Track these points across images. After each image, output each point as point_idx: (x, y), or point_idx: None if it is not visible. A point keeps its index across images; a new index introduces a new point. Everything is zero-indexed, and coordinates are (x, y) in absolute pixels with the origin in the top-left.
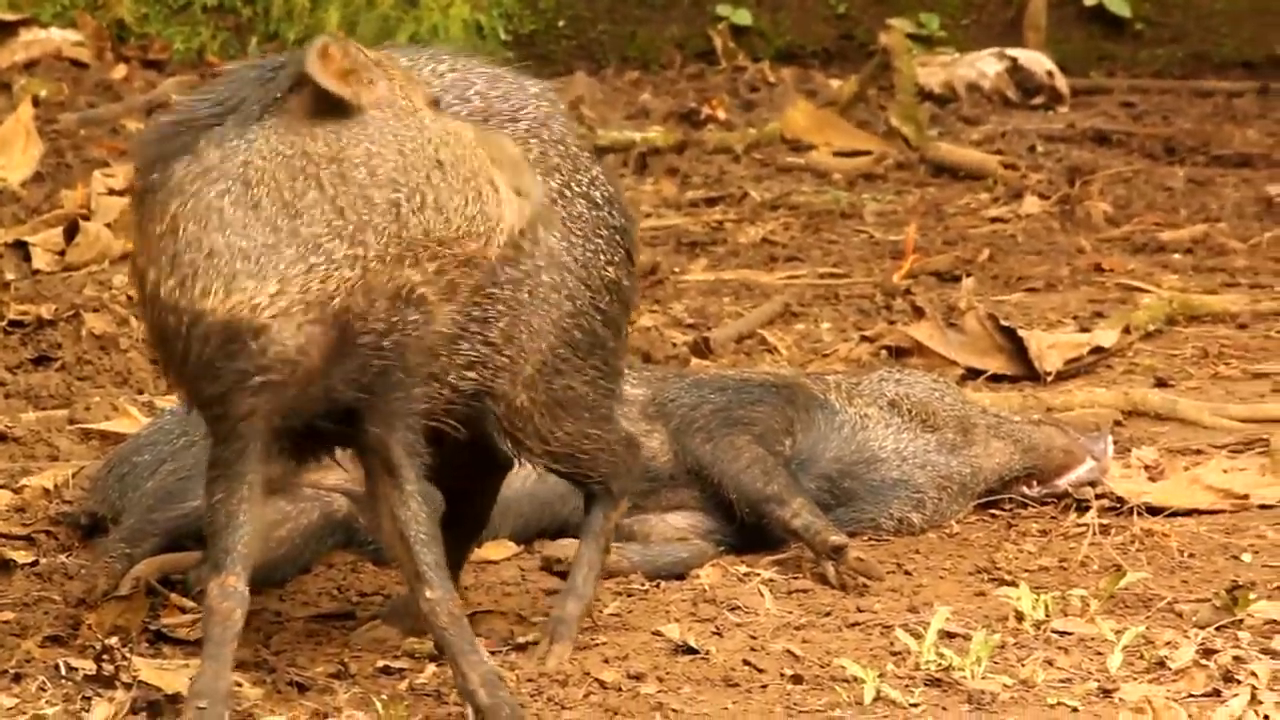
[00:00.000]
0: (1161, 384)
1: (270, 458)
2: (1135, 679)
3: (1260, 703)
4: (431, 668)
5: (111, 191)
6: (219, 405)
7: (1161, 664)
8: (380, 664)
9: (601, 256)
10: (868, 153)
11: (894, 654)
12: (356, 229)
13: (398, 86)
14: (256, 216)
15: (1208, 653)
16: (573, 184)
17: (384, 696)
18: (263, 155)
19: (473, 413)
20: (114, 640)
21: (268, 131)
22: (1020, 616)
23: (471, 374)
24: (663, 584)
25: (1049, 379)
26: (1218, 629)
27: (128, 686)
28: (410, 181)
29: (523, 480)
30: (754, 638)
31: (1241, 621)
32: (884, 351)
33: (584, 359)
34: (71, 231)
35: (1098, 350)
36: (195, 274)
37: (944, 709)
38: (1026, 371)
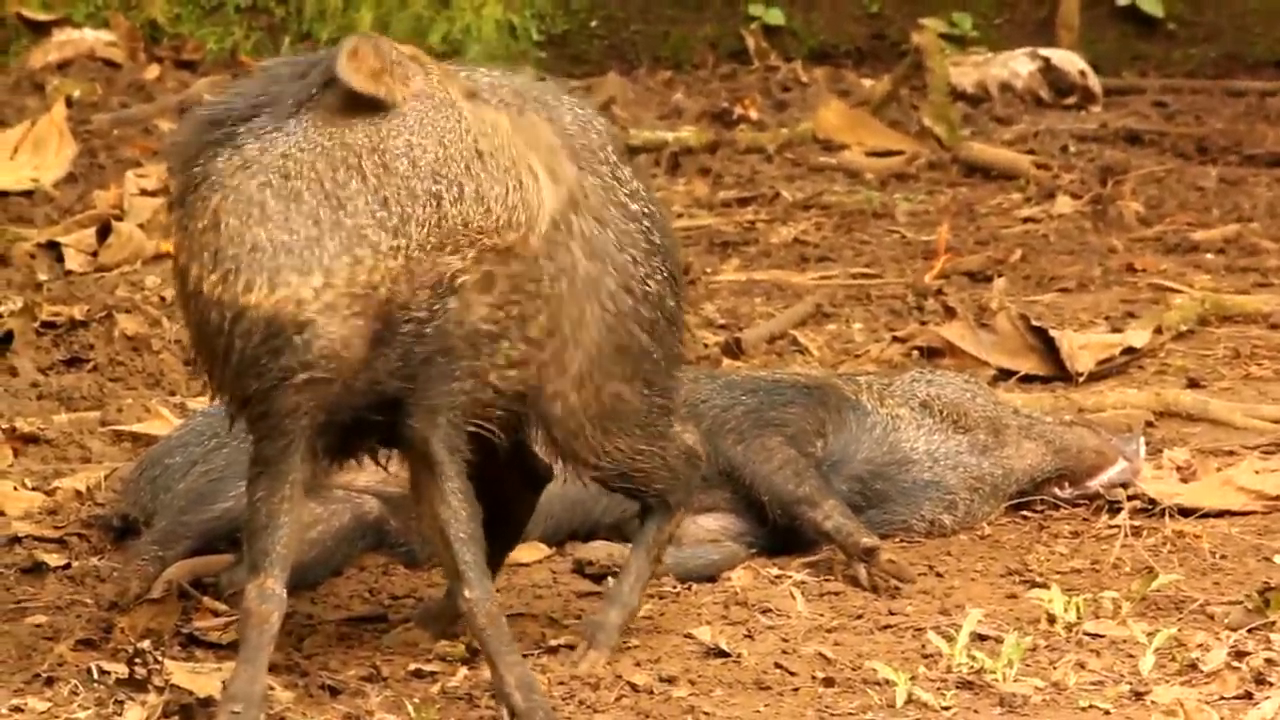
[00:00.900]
0: (1193, 385)
1: (312, 455)
2: (1167, 681)
3: None
4: (463, 671)
5: (144, 192)
6: (262, 402)
7: (1193, 666)
8: (412, 667)
9: (641, 269)
10: (900, 152)
11: (926, 656)
12: (400, 220)
13: (435, 80)
14: (298, 209)
15: (1239, 655)
16: (608, 192)
17: (416, 700)
18: (301, 148)
19: (515, 419)
20: (146, 643)
21: (305, 125)
22: (1052, 619)
23: (512, 373)
24: (694, 586)
25: (1081, 380)
26: (1249, 631)
27: (160, 690)
28: (451, 172)
29: (554, 481)
30: (785, 640)
31: (1274, 623)
32: (915, 352)
33: (632, 369)
34: (104, 232)
35: (1129, 351)
36: (238, 269)
37: (976, 711)
38: (1058, 372)
